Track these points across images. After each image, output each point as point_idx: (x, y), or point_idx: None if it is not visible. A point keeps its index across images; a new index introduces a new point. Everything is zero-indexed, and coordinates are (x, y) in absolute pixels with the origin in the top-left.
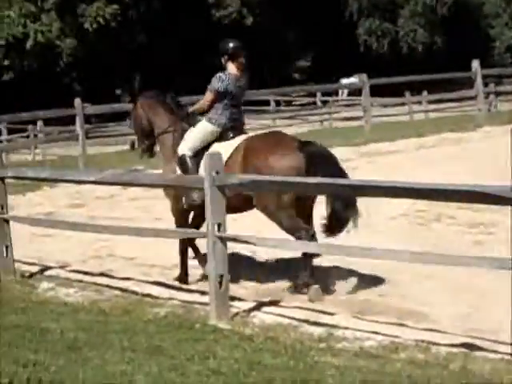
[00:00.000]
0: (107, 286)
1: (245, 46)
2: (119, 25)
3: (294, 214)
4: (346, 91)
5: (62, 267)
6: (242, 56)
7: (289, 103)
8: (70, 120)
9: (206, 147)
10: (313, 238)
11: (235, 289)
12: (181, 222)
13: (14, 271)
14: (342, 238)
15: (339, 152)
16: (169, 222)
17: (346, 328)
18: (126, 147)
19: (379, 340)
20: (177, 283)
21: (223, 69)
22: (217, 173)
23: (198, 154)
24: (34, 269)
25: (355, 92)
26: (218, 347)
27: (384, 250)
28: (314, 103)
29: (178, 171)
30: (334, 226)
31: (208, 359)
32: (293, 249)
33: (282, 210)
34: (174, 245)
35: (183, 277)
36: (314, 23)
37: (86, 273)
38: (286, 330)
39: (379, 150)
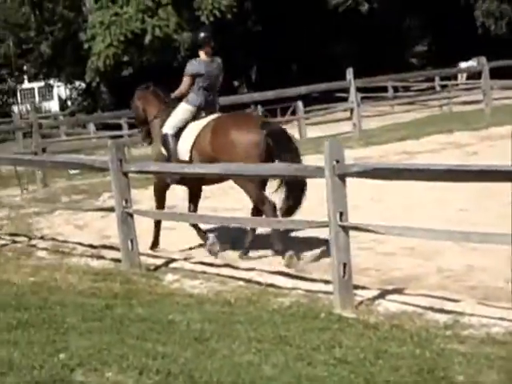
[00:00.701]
0: (231, 276)
1: (360, 32)
2: (235, 16)
3: (260, 186)
4: (464, 75)
5: (186, 259)
6: (209, 44)
7: (407, 89)
8: None
9: (184, 127)
10: (275, 210)
11: (358, 277)
12: (160, 196)
13: (139, 264)
14: (462, 223)
15: (459, 137)
16: None
17: (472, 315)
18: None
19: (506, 326)
20: (300, 273)
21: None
22: (337, 162)
23: (177, 133)
24: (159, 261)
25: (474, 75)
26: (343, 336)
27: (504, 234)
28: (433, 88)
29: (162, 150)
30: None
31: (334, 348)
32: (418, 236)
33: (250, 181)
34: (297, 234)
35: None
36: (431, 7)
37: (209, 264)
38: (411, 317)
39: (500, 134)
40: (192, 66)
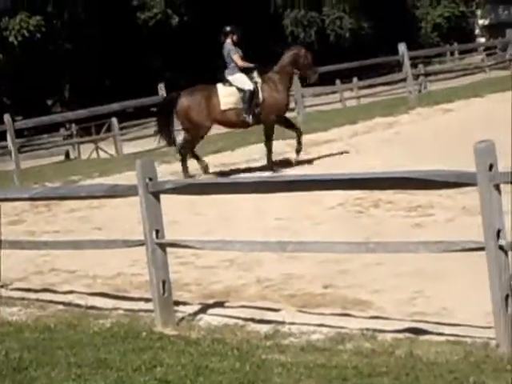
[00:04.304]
0: (51, 301)
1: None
2: (44, 35)
3: None
4: None
5: (3, 286)
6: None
7: None
8: (2, 136)
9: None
10: None
11: (179, 293)
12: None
13: None
14: (279, 232)
15: (275, 146)
16: (108, 230)
17: (292, 323)
18: (61, 158)
19: (325, 332)
20: (120, 293)
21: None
22: (150, 179)
23: None
24: None
25: None
26: (164, 355)
27: (317, 242)
28: None
29: None
30: None
31: (155, 368)
32: (235, 249)
33: None
34: (114, 254)
35: None
36: (240, 18)
37: (28, 290)
38: (233, 330)
39: (314, 141)
40: None
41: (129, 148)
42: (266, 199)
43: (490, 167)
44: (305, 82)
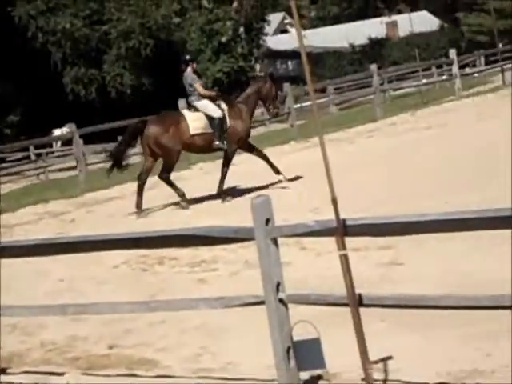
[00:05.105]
0: None
1: None
2: None
3: None
4: (59, 142)
5: None
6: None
7: (3, 160)
8: None
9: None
10: None
11: None
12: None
13: None
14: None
15: (55, 205)
16: None
17: None
18: None
19: None
20: None
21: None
22: None
23: None
24: None
25: (69, 142)
26: None
27: (99, 304)
28: (28, 157)
29: None
30: None
31: None
32: (15, 314)
33: None
34: None
35: None
36: (20, 76)
37: None
38: None
39: (96, 199)
40: None
41: None
42: (49, 260)
43: (267, 222)
44: (268, 113)
